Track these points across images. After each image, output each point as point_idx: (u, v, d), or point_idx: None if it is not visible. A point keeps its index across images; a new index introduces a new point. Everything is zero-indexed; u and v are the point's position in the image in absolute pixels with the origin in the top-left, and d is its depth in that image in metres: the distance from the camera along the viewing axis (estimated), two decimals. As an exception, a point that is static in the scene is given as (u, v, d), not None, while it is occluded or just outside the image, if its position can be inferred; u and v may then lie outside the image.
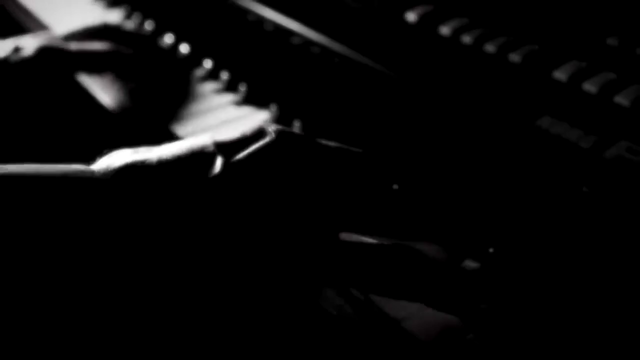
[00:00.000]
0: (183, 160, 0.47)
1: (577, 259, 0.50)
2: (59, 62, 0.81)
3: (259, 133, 0.49)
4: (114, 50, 0.83)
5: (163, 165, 0.46)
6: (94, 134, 0.88)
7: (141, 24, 0.91)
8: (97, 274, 0.43)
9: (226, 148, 0.48)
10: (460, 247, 0.51)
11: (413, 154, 0.62)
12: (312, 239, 0.46)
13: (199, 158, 0.47)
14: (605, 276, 0.49)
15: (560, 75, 0.65)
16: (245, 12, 0.88)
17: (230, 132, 0.50)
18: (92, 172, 0.46)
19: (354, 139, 0.61)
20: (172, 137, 0.68)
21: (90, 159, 0.48)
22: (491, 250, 0.51)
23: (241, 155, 0.47)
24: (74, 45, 0.82)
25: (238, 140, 0.49)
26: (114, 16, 0.95)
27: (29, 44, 0.81)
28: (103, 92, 0.81)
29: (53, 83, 0.83)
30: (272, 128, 0.50)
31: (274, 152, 0.48)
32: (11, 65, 0.79)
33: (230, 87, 0.78)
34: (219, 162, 0.46)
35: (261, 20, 0.86)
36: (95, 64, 0.83)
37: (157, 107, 0.78)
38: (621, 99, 0.61)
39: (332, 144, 0.51)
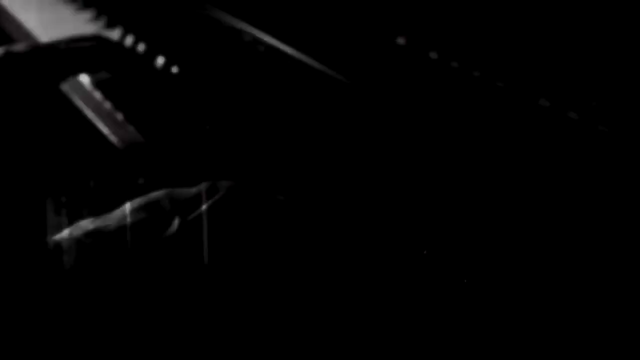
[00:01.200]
0: (141, 222, 0.50)
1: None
2: (49, 62, 0.81)
3: (211, 189, 0.52)
4: (103, 48, 0.83)
5: (122, 228, 0.49)
6: (88, 154, 0.89)
7: (135, 44, 0.92)
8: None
9: (181, 205, 0.51)
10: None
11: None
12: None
13: (156, 216, 0.50)
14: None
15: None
16: (240, 32, 0.90)
17: (184, 190, 0.53)
18: (53, 242, 0.49)
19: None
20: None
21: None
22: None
23: (195, 213, 0.50)
24: (63, 45, 0.82)
25: (192, 197, 0.52)
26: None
27: (19, 47, 0.81)
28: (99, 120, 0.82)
29: (43, 85, 0.83)
30: (223, 184, 0.52)
31: (226, 207, 0.51)
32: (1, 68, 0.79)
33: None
34: (175, 222, 0.50)
35: (258, 41, 0.88)
36: (85, 62, 0.83)
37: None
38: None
39: (280, 197, 0.54)
